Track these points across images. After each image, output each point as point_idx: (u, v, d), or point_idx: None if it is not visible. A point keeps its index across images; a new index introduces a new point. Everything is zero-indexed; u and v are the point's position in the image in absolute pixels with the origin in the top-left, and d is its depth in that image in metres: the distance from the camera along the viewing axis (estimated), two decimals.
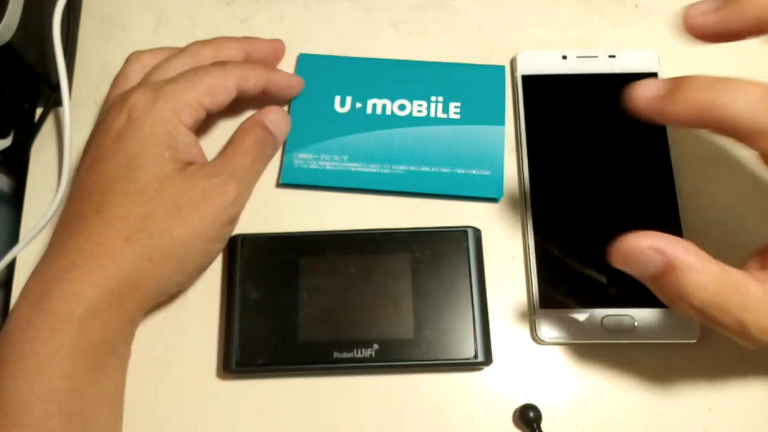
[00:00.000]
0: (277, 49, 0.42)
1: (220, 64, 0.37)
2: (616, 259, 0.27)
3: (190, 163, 0.35)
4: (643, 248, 0.26)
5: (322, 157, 0.40)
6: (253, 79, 0.37)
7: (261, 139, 0.37)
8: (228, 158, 0.36)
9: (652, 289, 0.28)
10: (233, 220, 0.36)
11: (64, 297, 0.31)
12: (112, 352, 0.32)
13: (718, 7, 0.26)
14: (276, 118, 0.39)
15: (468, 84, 0.41)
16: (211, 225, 0.34)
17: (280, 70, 0.40)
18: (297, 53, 0.43)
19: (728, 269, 0.26)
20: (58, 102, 0.39)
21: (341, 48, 0.43)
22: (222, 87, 0.36)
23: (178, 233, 0.33)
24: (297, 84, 0.41)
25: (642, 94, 0.27)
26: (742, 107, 0.25)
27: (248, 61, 0.39)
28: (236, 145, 0.37)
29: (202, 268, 0.36)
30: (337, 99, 0.41)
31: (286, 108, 0.41)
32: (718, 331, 0.27)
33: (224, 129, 0.41)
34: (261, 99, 0.39)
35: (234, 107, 0.38)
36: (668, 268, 0.26)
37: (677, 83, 0.26)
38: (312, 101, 0.41)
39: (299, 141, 0.40)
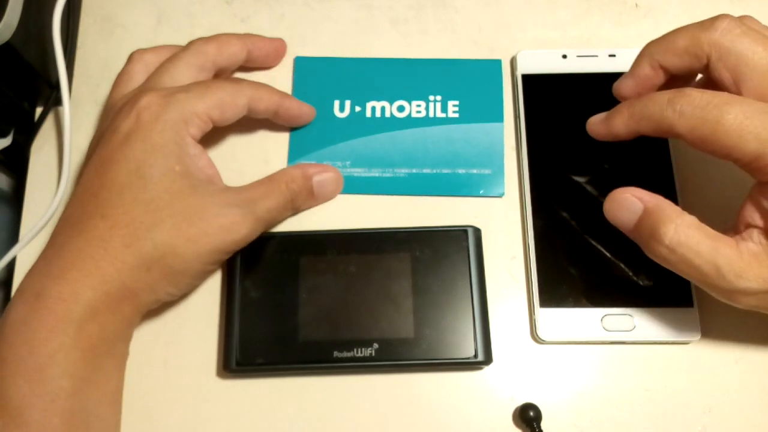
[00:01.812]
0: (278, 47, 0.42)
1: (235, 80, 0.37)
2: (607, 210, 0.33)
3: (202, 178, 0.35)
4: (627, 195, 0.32)
5: (324, 163, 0.40)
6: (265, 102, 0.37)
7: (297, 191, 0.37)
8: (254, 194, 0.35)
9: (636, 239, 0.32)
10: (237, 250, 0.35)
11: (61, 297, 0.31)
12: (110, 353, 0.32)
13: (603, 119, 0.34)
14: (326, 181, 0.39)
15: (465, 81, 0.41)
16: (215, 251, 0.34)
17: (293, 98, 0.40)
18: (297, 52, 0.43)
19: (699, 222, 0.30)
20: (58, 101, 0.39)
21: (341, 47, 0.43)
22: (232, 104, 0.36)
23: (181, 249, 0.33)
24: (307, 113, 0.40)
25: (592, 123, 0.35)
26: (654, 108, 0.31)
27: (264, 84, 0.39)
28: (270, 185, 0.36)
29: (195, 286, 0.37)
30: (336, 104, 0.41)
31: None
32: (697, 283, 0.31)
33: (230, 142, 0.41)
34: (270, 120, 0.39)
35: (244, 120, 0.38)
36: (645, 212, 0.31)
37: (612, 109, 0.34)
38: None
39: (301, 149, 0.40)
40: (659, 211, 0.31)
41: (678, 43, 0.32)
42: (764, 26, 0.32)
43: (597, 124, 0.34)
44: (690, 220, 0.30)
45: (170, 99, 0.34)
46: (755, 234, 0.30)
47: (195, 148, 0.35)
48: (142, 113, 0.34)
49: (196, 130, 0.35)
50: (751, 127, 0.28)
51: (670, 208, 0.31)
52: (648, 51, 0.34)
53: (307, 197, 0.38)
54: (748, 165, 0.30)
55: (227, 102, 0.36)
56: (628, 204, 0.32)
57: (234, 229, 0.34)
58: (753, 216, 0.31)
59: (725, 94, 0.30)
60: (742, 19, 0.31)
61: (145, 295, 0.33)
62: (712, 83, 0.32)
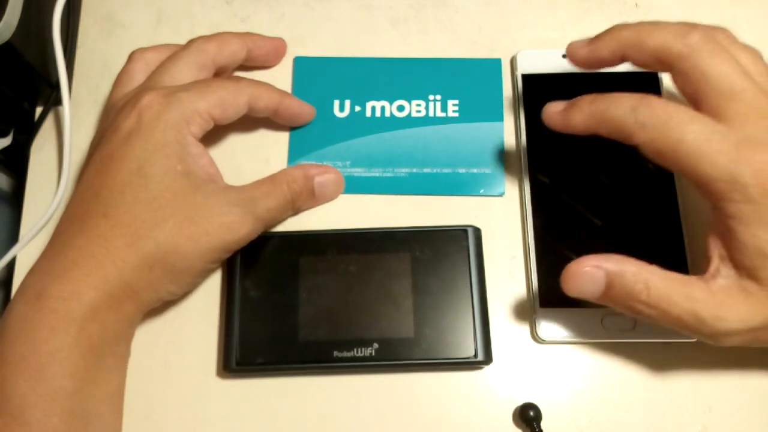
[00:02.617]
0: (278, 46, 0.42)
1: (235, 79, 0.37)
2: (567, 287, 0.32)
3: (204, 177, 0.35)
4: (587, 269, 0.31)
5: (325, 164, 0.40)
6: (265, 100, 0.38)
7: (299, 192, 0.37)
8: (255, 194, 0.36)
9: (610, 304, 0.31)
10: (237, 249, 0.35)
11: (63, 296, 0.31)
12: (111, 352, 0.32)
13: (588, 42, 0.34)
14: (327, 182, 0.39)
15: (465, 80, 0.41)
16: (216, 250, 0.34)
17: (293, 96, 0.40)
18: (297, 52, 0.43)
19: (665, 270, 0.30)
20: (58, 101, 0.39)
21: (341, 47, 0.43)
22: (233, 102, 0.36)
23: (183, 248, 0.33)
24: (308, 112, 0.40)
25: (549, 110, 0.34)
26: (616, 112, 0.31)
27: (264, 82, 0.39)
28: (271, 185, 0.36)
29: (196, 284, 0.37)
30: (336, 103, 0.41)
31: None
32: (680, 332, 0.30)
33: (230, 141, 0.41)
34: (270, 120, 0.39)
35: (244, 120, 0.38)
36: (613, 278, 0.30)
37: (573, 102, 0.33)
38: None
39: (302, 148, 0.40)
40: (628, 273, 0.30)
41: (647, 43, 0.32)
42: (736, 43, 0.32)
43: (554, 114, 0.33)
44: (657, 270, 0.30)
45: (171, 98, 0.34)
46: (722, 267, 0.30)
47: (196, 147, 0.35)
48: (144, 112, 0.34)
49: (198, 128, 0.35)
50: (708, 150, 0.28)
51: (633, 268, 0.30)
52: (616, 39, 0.33)
53: (308, 198, 0.38)
54: (700, 187, 0.30)
55: (228, 100, 0.36)
56: (588, 278, 0.31)
57: (235, 228, 0.34)
58: (717, 247, 0.30)
59: (688, 111, 0.30)
60: (716, 35, 0.31)
61: (147, 293, 0.33)
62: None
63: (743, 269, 0.29)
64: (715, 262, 0.30)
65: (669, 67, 0.31)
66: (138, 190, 0.33)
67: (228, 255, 0.35)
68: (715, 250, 0.30)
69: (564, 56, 0.41)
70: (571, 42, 0.34)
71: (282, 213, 0.37)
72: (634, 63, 0.33)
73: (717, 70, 0.30)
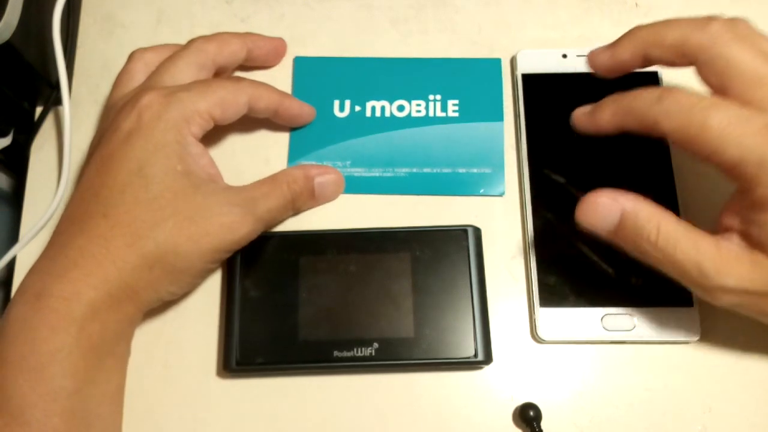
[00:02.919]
0: (278, 46, 0.42)
1: (235, 79, 0.37)
2: (582, 216, 0.32)
3: (204, 177, 0.35)
4: (605, 200, 0.31)
5: (324, 164, 0.40)
6: (266, 101, 0.38)
7: (299, 192, 0.37)
8: (255, 194, 0.36)
9: (617, 240, 0.32)
10: (238, 249, 0.35)
11: (63, 296, 0.31)
12: (111, 352, 0.32)
13: (607, 48, 0.34)
14: (327, 182, 0.39)
15: (465, 80, 0.41)
16: (216, 250, 0.34)
17: (293, 97, 0.40)
18: (297, 52, 0.43)
19: (680, 219, 0.31)
20: (58, 101, 0.39)
21: (341, 47, 0.43)
22: (233, 102, 0.36)
23: (183, 248, 0.33)
24: (308, 113, 0.40)
25: (577, 115, 0.34)
26: (642, 104, 0.31)
27: (264, 83, 0.39)
28: (272, 185, 0.36)
29: (196, 284, 0.37)
30: (336, 103, 0.41)
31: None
32: (680, 281, 0.31)
33: (230, 142, 0.41)
34: (270, 120, 0.39)
35: (244, 120, 0.38)
36: (625, 214, 0.31)
37: (598, 103, 0.33)
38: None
39: (302, 148, 0.40)
40: (639, 212, 0.31)
41: (667, 39, 0.32)
42: (755, 32, 0.32)
43: (582, 117, 0.34)
44: (670, 217, 0.30)
45: (171, 98, 0.34)
46: (735, 237, 0.30)
47: (196, 147, 0.35)
48: (144, 112, 0.34)
49: (198, 128, 0.35)
50: (734, 134, 0.29)
51: (648, 208, 0.31)
52: (635, 38, 0.33)
53: (308, 198, 0.38)
54: (727, 171, 0.30)
55: (228, 100, 0.36)
56: (603, 209, 0.31)
57: (235, 228, 0.34)
58: (733, 221, 0.31)
59: (712, 98, 0.30)
60: (735, 24, 0.31)
61: (147, 294, 0.33)
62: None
63: (756, 244, 0.29)
64: (728, 233, 0.30)
65: (692, 60, 0.31)
66: (138, 191, 0.33)
67: (228, 255, 0.35)
68: (730, 223, 0.31)
69: (564, 56, 0.41)
70: (591, 50, 0.35)
71: (282, 213, 0.37)
72: (657, 61, 0.33)
73: (740, 57, 0.30)
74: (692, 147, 0.30)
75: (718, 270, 0.29)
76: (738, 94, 0.30)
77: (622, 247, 0.32)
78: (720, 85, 0.31)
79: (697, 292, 0.31)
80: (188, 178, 0.34)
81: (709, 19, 0.31)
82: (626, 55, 0.33)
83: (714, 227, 0.32)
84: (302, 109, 0.40)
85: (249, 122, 0.40)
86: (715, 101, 0.30)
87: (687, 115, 0.29)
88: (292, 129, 0.41)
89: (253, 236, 0.35)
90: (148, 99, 0.34)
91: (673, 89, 0.31)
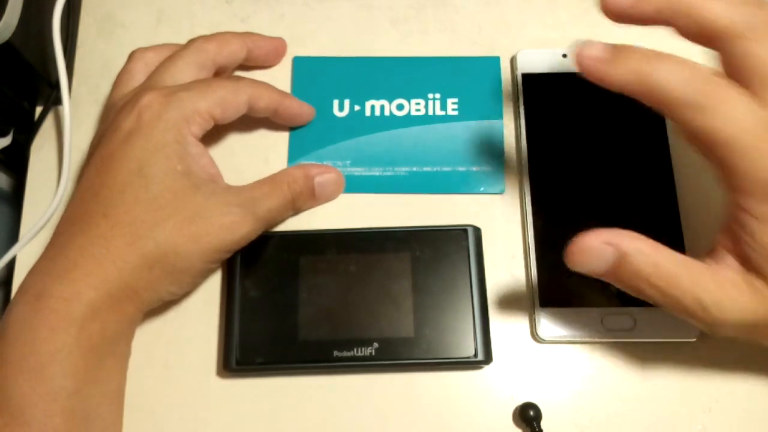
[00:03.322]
0: (278, 46, 0.42)
1: (235, 78, 0.37)
2: (572, 261, 0.30)
3: (204, 177, 0.35)
4: (596, 244, 0.29)
5: (325, 163, 0.40)
6: (266, 100, 0.38)
7: (299, 192, 0.37)
8: (255, 194, 0.35)
9: (613, 281, 0.30)
10: (238, 249, 0.35)
11: (63, 297, 0.31)
12: (112, 352, 0.32)
13: (603, 57, 0.29)
14: (328, 181, 0.39)
15: (464, 79, 0.41)
16: (216, 250, 0.34)
17: (293, 97, 0.40)
18: (297, 52, 0.43)
19: (676, 253, 0.29)
20: (58, 101, 0.39)
21: (341, 47, 0.43)
22: (233, 102, 0.36)
23: (183, 248, 0.33)
24: (307, 112, 0.40)
25: (587, 54, 0.29)
26: (673, 79, 0.27)
27: (264, 82, 0.39)
28: (272, 185, 0.36)
29: (196, 284, 0.37)
30: (336, 103, 0.41)
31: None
32: (682, 317, 0.29)
33: (230, 141, 0.41)
34: (270, 120, 0.39)
35: (244, 120, 0.38)
36: (622, 256, 0.29)
37: (619, 50, 0.28)
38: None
39: (301, 148, 0.40)
40: (636, 253, 0.29)
41: (703, 14, 0.28)
42: None
43: (588, 60, 0.29)
44: (665, 251, 0.29)
45: (171, 98, 0.34)
46: (731, 259, 0.29)
47: (196, 147, 0.35)
48: (144, 112, 0.34)
49: (198, 128, 0.35)
50: (745, 143, 0.27)
51: (643, 247, 0.29)
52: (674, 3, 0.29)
53: (309, 198, 0.38)
54: (726, 177, 0.28)
55: (228, 100, 0.36)
56: (597, 254, 0.29)
57: (235, 228, 0.34)
58: (726, 238, 0.30)
59: (736, 91, 0.28)
60: None
61: (147, 294, 0.33)
62: None
63: (750, 266, 0.28)
64: (721, 253, 0.29)
65: (717, 46, 0.29)
66: (138, 191, 0.33)
67: (228, 255, 0.35)
68: (724, 242, 0.30)
69: (564, 55, 0.41)
70: None
71: (282, 213, 0.37)
72: (677, 29, 0.29)
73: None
74: (699, 143, 0.28)
75: (718, 304, 0.28)
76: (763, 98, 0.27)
77: (617, 286, 0.30)
78: (743, 81, 0.28)
79: (699, 327, 0.30)
80: (188, 178, 0.34)
81: (759, 8, 0.28)
82: (650, 8, 0.29)
83: (711, 244, 0.31)
84: (302, 109, 0.40)
85: (249, 122, 0.40)
86: (738, 97, 0.27)
87: (703, 111, 0.27)
88: (291, 128, 0.41)
89: (254, 236, 0.35)
90: (147, 99, 0.34)
91: (701, 68, 0.28)
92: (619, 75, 0.28)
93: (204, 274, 0.36)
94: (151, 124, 0.34)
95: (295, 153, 0.40)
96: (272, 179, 0.37)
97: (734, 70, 0.28)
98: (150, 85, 0.36)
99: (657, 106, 0.29)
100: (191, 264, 0.33)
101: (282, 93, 0.39)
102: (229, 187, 0.36)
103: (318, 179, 0.38)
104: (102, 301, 0.31)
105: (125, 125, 0.34)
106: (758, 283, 0.28)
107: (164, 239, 0.32)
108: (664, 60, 0.28)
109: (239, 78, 0.38)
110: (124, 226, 0.32)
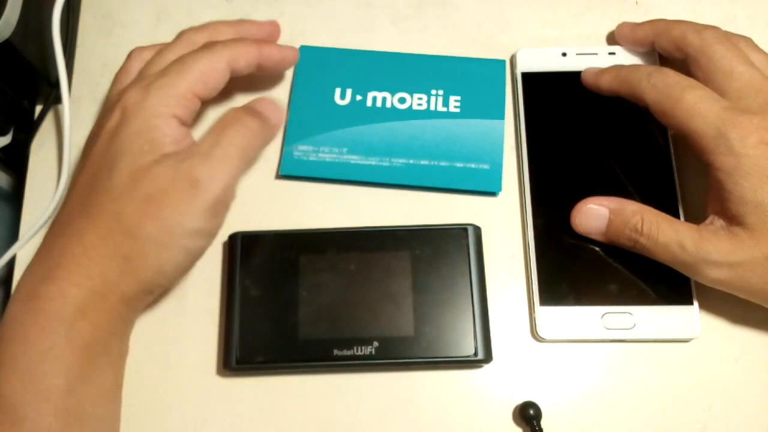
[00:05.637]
0: (271, 31, 0.41)
1: (208, 46, 0.36)
2: (577, 222, 0.37)
3: (167, 153, 0.33)
4: (591, 206, 0.36)
5: (321, 149, 0.40)
6: (245, 57, 0.36)
7: (244, 124, 0.35)
8: (202, 142, 0.34)
9: (609, 238, 0.36)
10: (214, 212, 0.33)
11: (50, 296, 0.31)
12: (104, 351, 0.32)
13: (634, 25, 0.41)
14: (265, 105, 0.37)
15: (468, 78, 0.41)
16: (185, 218, 0.32)
17: (271, 43, 0.39)
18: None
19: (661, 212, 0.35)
20: (58, 99, 0.39)
21: (341, 45, 0.43)
22: (213, 72, 0.35)
23: (147, 230, 0.31)
24: (291, 55, 0.39)
25: (588, 72, 0.40)
26: (636, 76, 0.37)
27: (237, 38, 0.38)
28: (215, 129, 0.34)
29: (182, 269, 0.34)
30: (338, 91, 0.41)
31: (286, 98, 0.41)
32: (667, 262, 0.34)
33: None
34: (257, 76, 0.39)
35: (229, 94, 0.37)
36: (613, 212, 0.36)
37: (605, 68, 0.39)
38: (312, 93, 0.41)
39: (299, 132, 0.40)
40: (625, 208, 0.35)
41: (672, 33, 0.38)
42: (749, 44, 0.37)
43: (589, 75, 0.40)
44: (652, 209, 0.35)
45: (150, 87, 0.34)
46: (717, 220, 0.34)
47: (178, 129, 0.33)
48: (126, 107, 0.34)
49: (183, 110, 0.34)
50: (701, 109, 0.34)
51: (632, 204, 0.36)
52: (653, 25, 0.40)
53: (254, 124, 0.35)
54: (693, 143, 0.34)
55: (207, 71, 0.35)
56: (593, 213, 0.36)
57: (190, 183, 0.32)
58: (711, 204, 0.35)
59: (693, 80, 0.35)
60: (729, 34, 0.37)
61: (128, 286, 0.32)
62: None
63: (732, 218, 0.33)
64: (710, 218, 0.34)
65: (684, 53, 0.37)
66: (105, 181, 0.32)
67: (206, 224, 0.33)
68: (710, 208, 0.35)
69: (564, 54, 0.41)
70: (623, 22, 0.41)
71: (237, 151, 0.34)
72: (659, 47, 0.39)
73: (720, 53, 0.36)
74: (668, 119, 0.35)
75: (698, 245, 0.33)
76: (715, 85, 0.35)
77: (615, 243, 0.36)
78: (703, 78, 0.36)
79: (685, 272, 0.34)
80: (151, 154, 0.32)
81: (707, 26, 0.37)
82: (641, 34, 0.40)
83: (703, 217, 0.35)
84: (283, 52, 0.38)
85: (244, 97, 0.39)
86: (693, 83, 0.35)
87: (668, 90, 0.35)
88: (290, 112, 0.40)
89: (218, 187, 0.32)
90: (128, 94, 0.34)
91: (664, 69, 0.36)
92: (605, 81, 0.39)
93: (184, 255, 0.33)
94: (132, 117, 0.33)
95: (292, 137, 0.40)
96: (213, 126, 0.34)
97: (698, 72, 0.37)
98: (135, 80, 0.36)
99: (637, 101, 0.37)
100: (163, 245, 0.31)
101: (258, 42, 0.37)
102: (180, 150, 0.33)
103: (254, 105, 0.36)
104: (88, 299, 0.31)
105: (109, 125, 0.34)
106: (739, 231, 0.33)
107: (129, 225, 0.31)
108: (637, 68, 0.38)
109: (213, 43, 0.36)
110: (95, 219, 0.32)
